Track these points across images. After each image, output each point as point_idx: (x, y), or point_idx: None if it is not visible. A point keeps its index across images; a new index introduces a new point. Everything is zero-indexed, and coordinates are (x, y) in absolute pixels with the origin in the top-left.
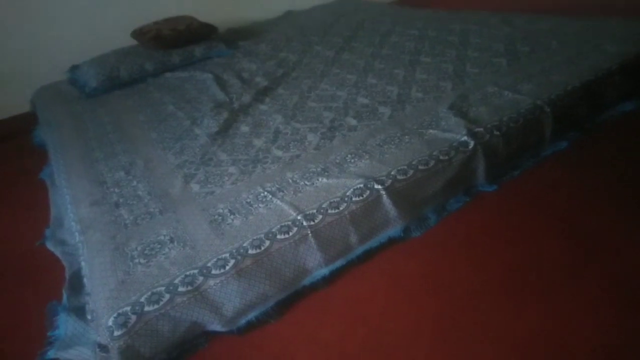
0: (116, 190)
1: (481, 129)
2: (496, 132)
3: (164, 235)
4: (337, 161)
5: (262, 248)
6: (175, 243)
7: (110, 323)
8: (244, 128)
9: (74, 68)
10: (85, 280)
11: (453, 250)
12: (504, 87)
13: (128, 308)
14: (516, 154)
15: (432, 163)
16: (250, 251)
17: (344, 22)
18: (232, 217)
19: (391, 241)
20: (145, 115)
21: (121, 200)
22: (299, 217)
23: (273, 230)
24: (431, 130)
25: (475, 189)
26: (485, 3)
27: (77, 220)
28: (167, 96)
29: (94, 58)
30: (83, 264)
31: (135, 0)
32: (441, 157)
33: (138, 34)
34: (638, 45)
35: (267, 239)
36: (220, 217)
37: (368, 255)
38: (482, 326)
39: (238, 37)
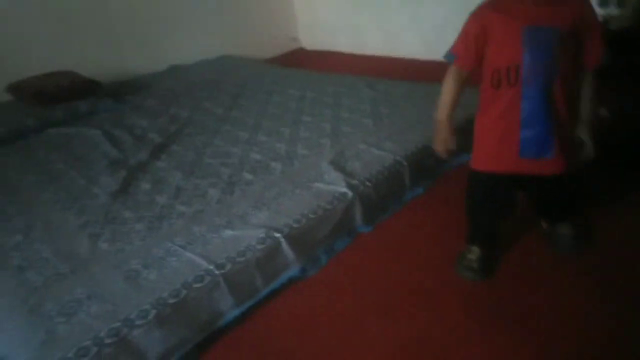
0: (16, 254)
1: (356, 182)
2: (368, 183)
3: (81, 294)
4: (240, 214)
5: (180, 297)
6: (94, 299)
7: None
8: (145, 185)
9: None
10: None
11: (341, 284)
12: (371, 144)
13: None
14: (385, 199)
15: (320, 212)
16: (169, 300)
17: (229, 79)
18: (146, 271)
19: (291, 280)
20: (34, 175)
21: (25, 263)
22: (210, 267)
23: (189, 280)
24: (317, 184)
25: (355, 231)
26: (342, 67)
27: None
28: (53, 154)
29: None
30: None
31: (10, 53)
32: (327, 207)
33: (15, 89)
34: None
35: (184, 289)
36: (135, 273)
37: (273, 294)
38: (366, 342)
39: (123, 91)
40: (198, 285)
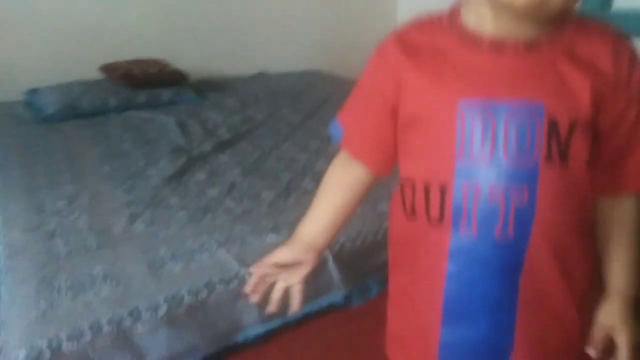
0: (55, 219)
1: None
2: None
3: (98, 272)
4: (290, 221)
5: (199, 297)
6: (109, 281)
7: (20, 357)
8: (200, 175)
9: (33, 91)
10: (1, 309)
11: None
12: None
13: (44, 342)
14: None
15: (380, 235)
16: (186, 299)
17: (313, 92)
18: (172, 262)
19: (332, 307)
20: (100, 149)
21: (58, 229)
22: (241, 271)
23: (213, 280)
24: (384, 203)
25: None
26: None
27: (6, 245)
28: (126, 134)
29: (56, 85)
30: (3, 290)
31: (109, 35)
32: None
33: (107, 69)
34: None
35: (206, 289)
36: (160, 261)
37: (307, 317)
38: None
39: (208, 88)
40: (222, 288)
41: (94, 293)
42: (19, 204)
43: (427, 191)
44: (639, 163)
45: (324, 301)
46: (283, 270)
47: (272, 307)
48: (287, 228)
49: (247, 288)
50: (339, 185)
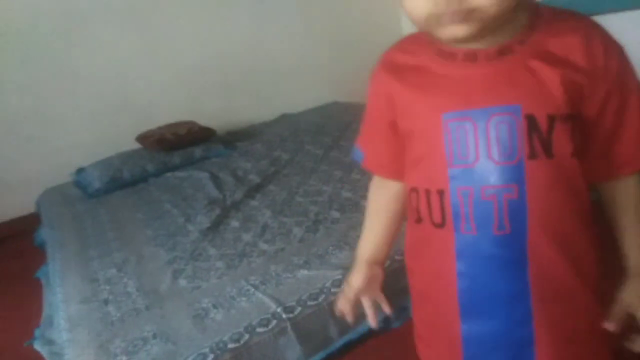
0: (107, 287)
1: None
2: None
3: (148, 332)
4: (319, 253)
5: (242, 342)
6: (158, 339)
7: None
8: (234, 223)
9: (80, 170)
10: None
11: None
12: None
13: None
14: None
15: None
16: (229, 345)
17: (333, 123)
18: (215, 311)
19: (372, 332)
20: (143, 214)
21: (110, 297)
22: (278, 310)
23: (253, 323)
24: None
25: None
26: None
27: (66, 319)
28: (165, 195)
29: (99, 161)
30: None
31: (141, 107)
32: None
33: (142, 138)
34: None
35: (247, 333)
36: (203, 312)
37: (349, 346)
38: None
39: (236, 138)
40: (262, 329)
41: (146, 353)
42: (75, 277)
43: (428, 197)
44: (628, 148)
45: (363, 328)
46: (363, 292)
47: (373, 321)
48: (317, 260)
49: (342, 313)
50: (380, 203)
